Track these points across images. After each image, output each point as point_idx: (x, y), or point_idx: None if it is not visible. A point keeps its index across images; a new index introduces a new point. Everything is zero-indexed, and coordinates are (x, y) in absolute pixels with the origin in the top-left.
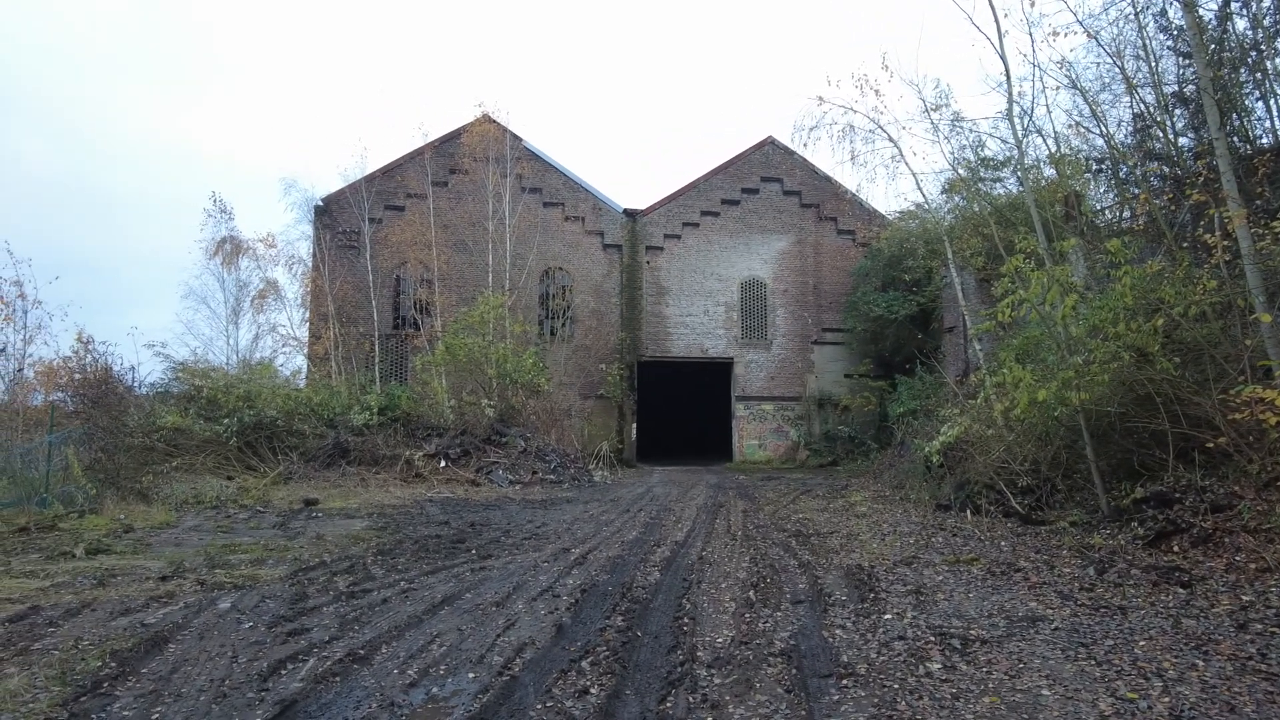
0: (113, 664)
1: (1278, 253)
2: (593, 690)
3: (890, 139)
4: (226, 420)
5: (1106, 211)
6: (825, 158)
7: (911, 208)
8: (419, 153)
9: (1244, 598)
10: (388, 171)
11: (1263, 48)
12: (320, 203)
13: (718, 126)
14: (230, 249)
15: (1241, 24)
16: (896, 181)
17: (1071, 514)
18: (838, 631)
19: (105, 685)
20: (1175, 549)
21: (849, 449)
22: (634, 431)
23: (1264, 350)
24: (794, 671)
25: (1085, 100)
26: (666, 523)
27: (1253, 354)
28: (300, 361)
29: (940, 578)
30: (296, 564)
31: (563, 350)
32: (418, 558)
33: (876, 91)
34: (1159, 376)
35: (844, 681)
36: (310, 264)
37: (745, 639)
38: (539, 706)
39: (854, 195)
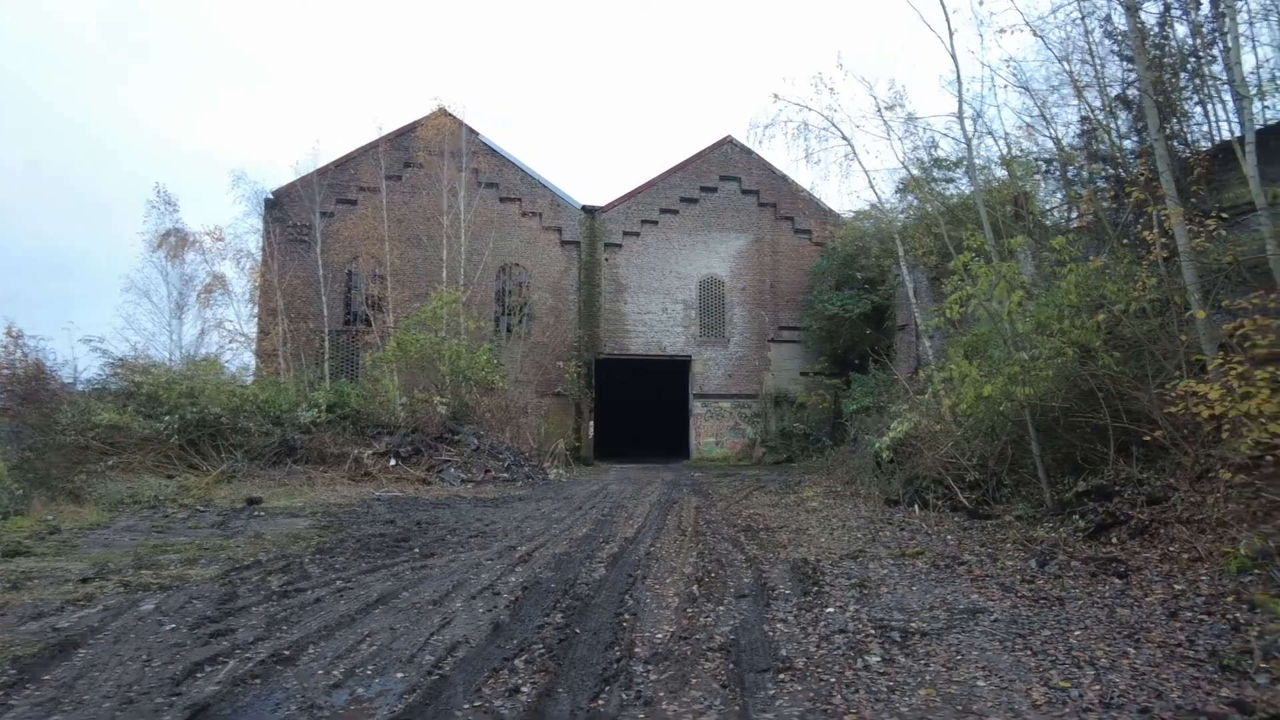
0: (13, 671)
1: (1212, 250)
2: (524, 689)
3: (844, 137)
4: (168, 418)
5: (1054, 212)
6: (781, 155)
7: (866, 207)
8: (373, 146)
9: (1176, 587)
10: (341, 165)
11: (1201, 54)
12: (271, 196)
13: (678, 126)
14: (175, 242)
15: (1182, 30)
16: (850, 180)
17: (1017, 508)
18: (779, 625)
19: (0, 694)
20: (1114, 540)
21: (804, 446)
22: (591, 429)
23: (1199, 345)
24: (731, 666)
25: (1034, 102)
26: (618, 520)
27: (1188, 349)
28: (248, 358)
29: (885, 571)
30: (230, 563)
31: (519, 347)
32: (358, 556)
33: (831, 90)
34: (1101, 372)
35: (781, 676)
36: (259, 258)
37: (685, 634)
38: (466, 706)
39: (810, 195)
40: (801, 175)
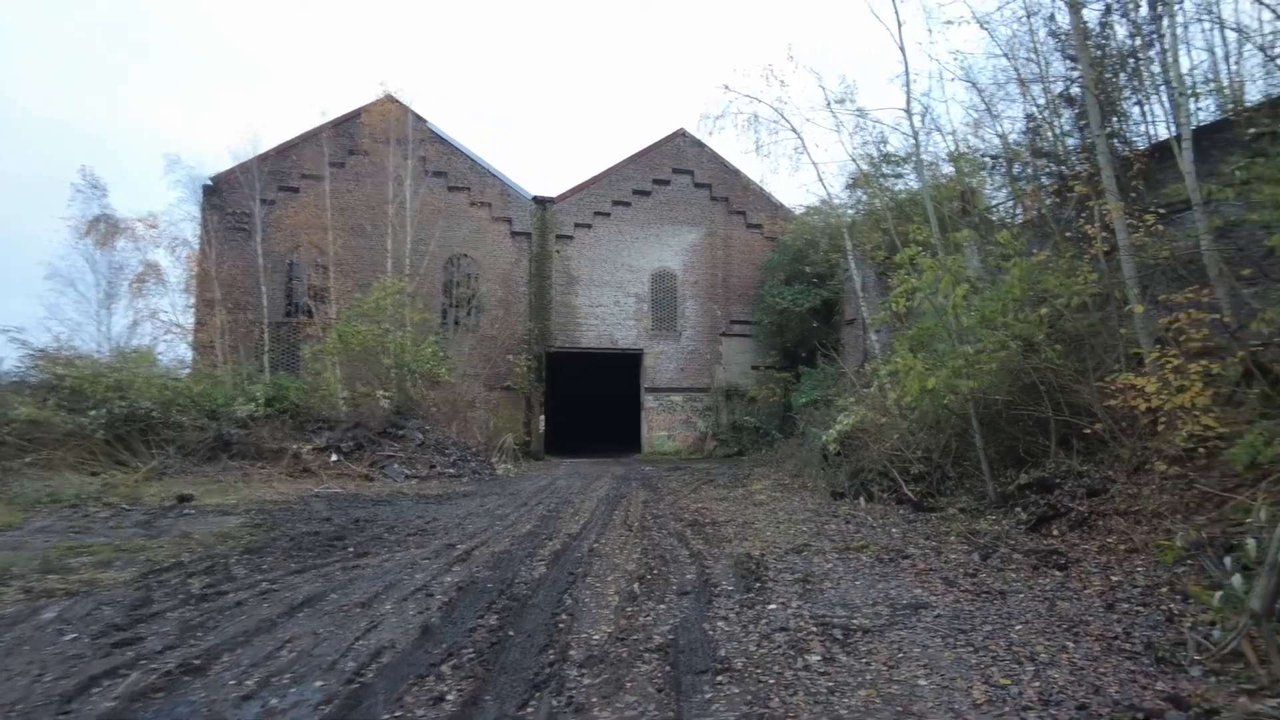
0: None
1: (1150, 246)
2: (449, 697)
3: (794, 130)
4: (94, 412)
5: (1000, 208)
6: (732, 147)
7: (816, 203)
8: (316, 133)
9: (1113, 578)
10: (282, 151)
11: (1139, 55)
12: (209, 182)
13: (631, 117)
14: (105, 229)
15: (1121, 31)
16: (800, 173)
17: (960, 500)
18: (720, 624)
19: None
20: (1054, 532)
21: (755, 439)
22: (542, 423)
23: (1137, 339)
24: (668, 669)
25: (981, 98)
26: (563, 515)
27: (1127, 343)
28: (184, 350)
29: (829, 565)
30: (148, 565)
31: (467, 340)
32: (288, 556)
33: (781, 82)
34: (1043, 365)
35: (719, 678)
36: (196, 246)
37: (623, 634)
38: (386, 717)
39: (761, 189)
40: (753, 169)
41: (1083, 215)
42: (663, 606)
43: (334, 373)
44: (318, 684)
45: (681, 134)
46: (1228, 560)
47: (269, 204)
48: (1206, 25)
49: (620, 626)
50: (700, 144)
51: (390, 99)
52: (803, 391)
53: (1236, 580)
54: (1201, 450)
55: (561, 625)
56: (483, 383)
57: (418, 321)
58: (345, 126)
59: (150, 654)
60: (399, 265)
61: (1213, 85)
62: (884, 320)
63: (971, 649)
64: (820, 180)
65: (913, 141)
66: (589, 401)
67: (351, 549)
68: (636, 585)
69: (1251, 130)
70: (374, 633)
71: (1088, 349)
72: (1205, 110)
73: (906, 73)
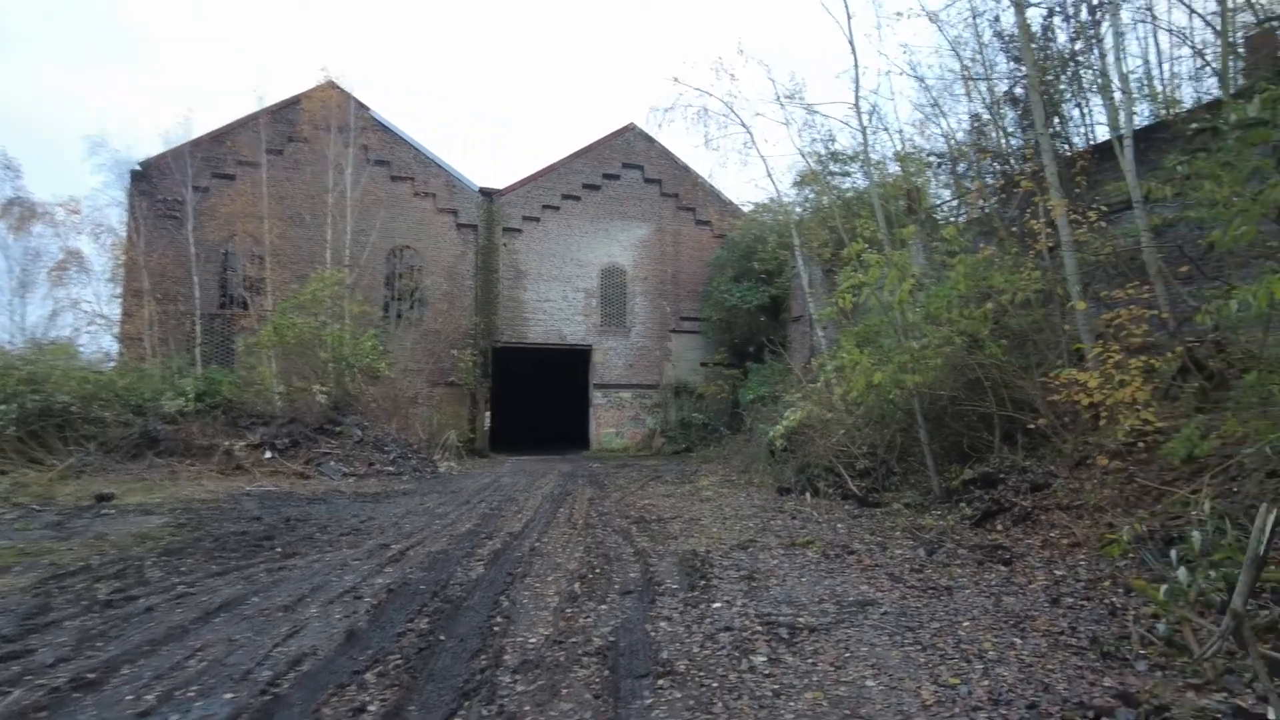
0: None
1: (1092, 243)
2: (370, 708)
3: (743, 125)
4: (3, 406)
5: (944, 207)
6: (681, 140)
7: (766, 201)
8: (253, 118)
9: (1057, 572)
10: (217, 137)
11: (1080, 58)
12: (138, 166)
13: (581, 113)
14: (20, 213)
15: (1063, 36)
16: (748, 168)
17: (906, 495)
18: (662, 624)
19: None
20: (999, 528)
21: (703, 436)
22: (487, 420)
23: (1080, 335)
24: (607, 673)
25: (927, 99)
26: (506, 514)
27: (1069, 339)
28: (109, 342)
29: (775, 562)
30: (53, 570)
31: (410, 334)
32: (210, 557)
33: (731, 76)
34: (988, 361)
35: (660, 682)
36: (123, 234)
37: (561, 637)
38: None
39: (711, 186)
40: (702, 166)
41: (1028, 212)
42: (604, 607)
43: (269, 367)
44: (227, 696)
45: (632, 129)
46: (1172, 554)
47: (202, 191)
48: (1141, 34)
49: (559, 629)
50: (650, 139)
51: (332, 85)
52: (750, 388)
53: (1182, 574)
54: (1141, 445)
55: (496, 628)
56: (426, 378)
57: (357, 314)
58: (284, 113)
59: (39, 668)
60: (338, 256)
61: (1147, 91)
62: (831, 316)
63: (919, 647)
64: (769, 176)
65: (860, 137)
66: (536, 398)
67: (280, 549)
68: (578, 585)
69: (1194, 125)
70: (295, 638)
71: (1031, 345)
72: (1139, 115)
73: (856, 66)
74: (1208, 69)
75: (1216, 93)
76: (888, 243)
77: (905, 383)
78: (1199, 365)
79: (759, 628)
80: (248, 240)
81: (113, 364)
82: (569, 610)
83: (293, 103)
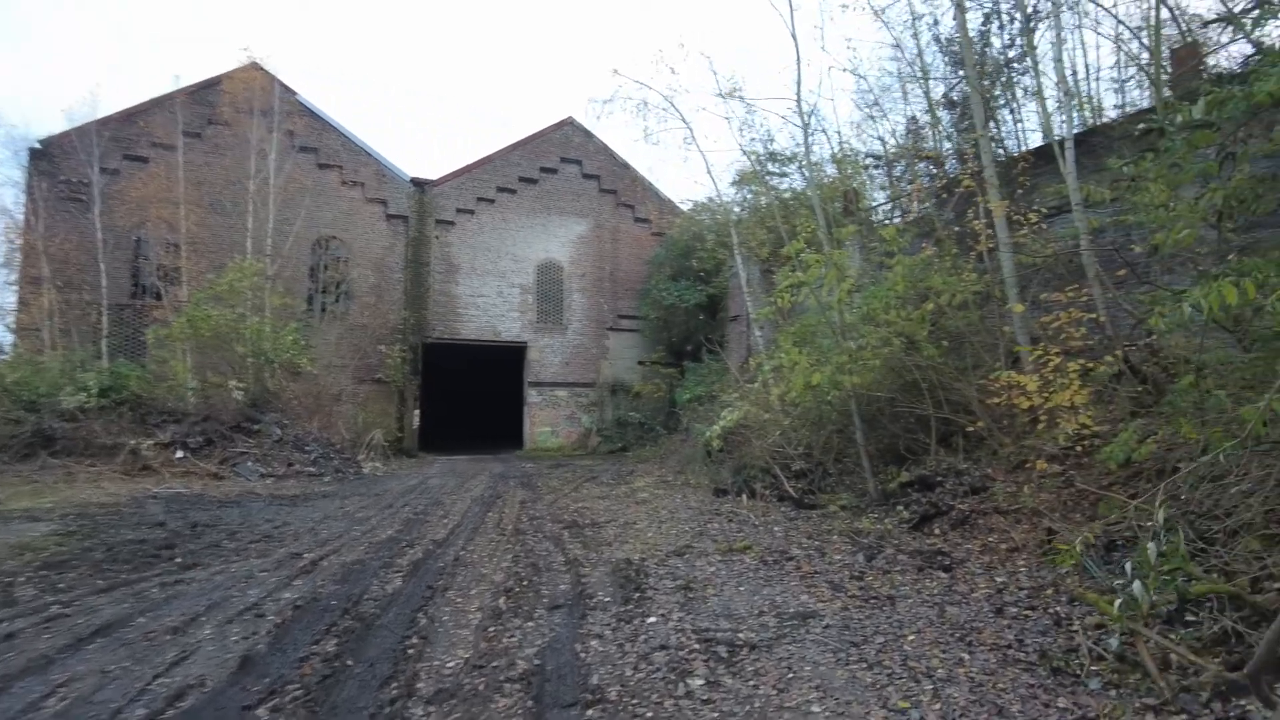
0: None
1: (1030, 245)
2: None
3: (683, 120)
4: None
5: (881, 209)
6: (620, 135)
7: (705, 200)
8: (169, 98)
9: (998, 579)
10: (129, 116)
11: (1014, 66)
12: (37, 144)
13: (522, 108)
14: None
15: (998, 42)
16: (688, 164)
17: (842, 498)
18: (593, 643)
19: None
20: (937, 532)
21: (640, 435)
22: (416, 419)
23: (1017, 338)
24: (531, 703)
25: (870, 96)
26: (431, 519)
27: (1008, 341)
28: (2, 334)
29: (712, 569)
30: None
31: (335, 329)
32: (97, 571)
33: (671, 70)
34: (925, 363)
35: (590, 711)
36: (20, 217)
37: (482, 660)
38: None
39: (650, 184)
40: (641, 162)
41: (969, 212)
42: (530, 624)
43: (183, 361)
44: None
45: (570, 122)
46: (1127, 566)
47: (111, 173)
48: (1071, 45)
49: (480, 650)
50: (589, 134)
51: (255, 66)
52: (687, 387)
53: (1137, 588)
54: (1079, 448)
55: (411, 651)
56: (351, 375)
57: (278, 306)
58: (204, 94)
59: None
60: (260, 246)
61: (1076, 102)
62: (769, 316)
63: (865, 665)
64: (709, 173)
65: (801, 136)
66: (469, 396)
67: (180, 559)
68: (503, 599)
69: (1141, 126)
70: (181, 667)
71: (969, 347)
72: (1074, 121)
73: (799, 60)
74: (1133, 80)
75: (1144, 103)
76: (827, 243)
77: (844, 384)
78: (1134, 370)
79: (696, 645)
80: (162, 227)
81: (4, 357)
82: (492, 629)
83: (213, 84)
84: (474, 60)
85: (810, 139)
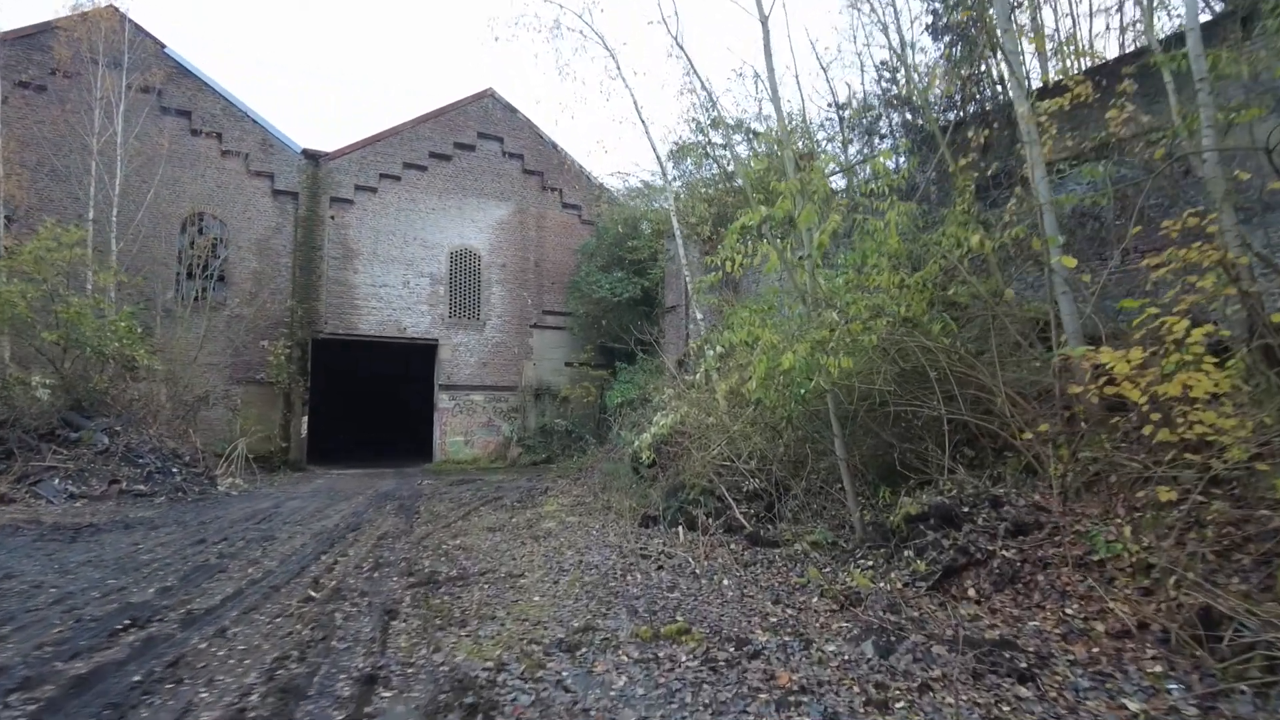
0: None
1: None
2: None
3: (607, 49)
4: None
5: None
6: (529, 68)
7: (639, 185)
8: None
9: (1129, 701)
10: None
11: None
12: None
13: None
14: None
15: None
16: (611, 103)
17: (813, 531)
18: None
19: None
20: (971, 593)
21: (566, 444)
22: (304, 426)
23: (1060, 310)
24: None
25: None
26: (235, 564)
27: (1039, 313)
28: None
29: (621, 685)
30: None
31: (206, 320)
32: None
33: None
34: (936, 345)
35: None
36: None
37: None
38: None
39: (579, 166)
40: (571, 144)
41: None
42: None
43: None
44: None
45: (490, 94)
46: None
47: None
48: None
49: None
50: (513, 109)
51: (110, 9)
52: (618, 390)
53: None
54: (1219, 463)
55: None
56: (227, 373)
57: (111, 284)
58: (41, 38)
59: None
60: (104, 218)
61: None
62: (713, 283)
63: None
64: (647, 135)
65: (758, 98)
66: (372, 401)
67: None
68: None
69: None
70: None
71: (990, 325)
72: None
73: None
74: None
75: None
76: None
77: (829, 367)
78: (1272, 356)
79: None
80: None
81: None
82: None
83: (48, 27)
84: (384, 34)
85: (776, 78)
